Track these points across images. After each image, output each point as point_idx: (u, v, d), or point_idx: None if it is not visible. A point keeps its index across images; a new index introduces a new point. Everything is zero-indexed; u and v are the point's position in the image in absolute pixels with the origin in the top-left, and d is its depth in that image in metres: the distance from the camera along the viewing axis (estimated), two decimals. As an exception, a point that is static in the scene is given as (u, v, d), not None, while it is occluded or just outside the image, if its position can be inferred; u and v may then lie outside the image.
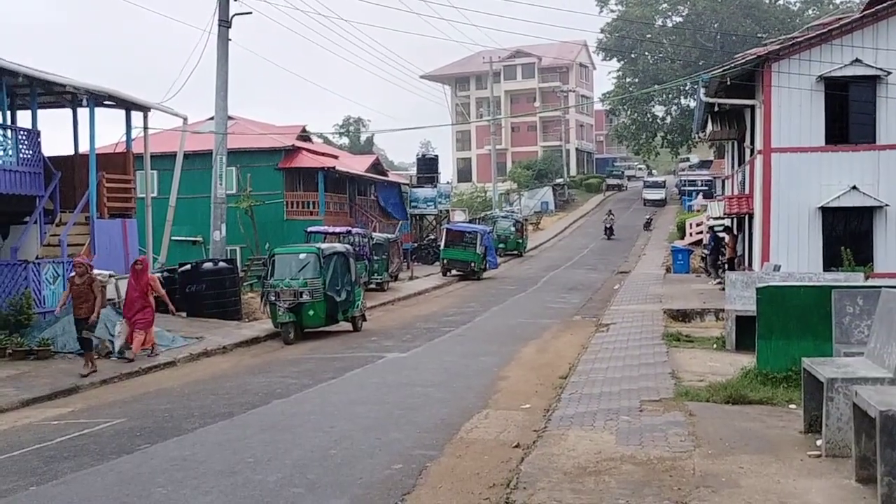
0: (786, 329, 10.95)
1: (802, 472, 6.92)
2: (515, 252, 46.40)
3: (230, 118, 27.11)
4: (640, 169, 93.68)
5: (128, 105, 22.23)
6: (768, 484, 6.60)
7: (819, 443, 7.55)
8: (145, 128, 23.11)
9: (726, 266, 26.72)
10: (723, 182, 39.97)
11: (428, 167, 51.49)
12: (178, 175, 24.63)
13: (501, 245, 44.86)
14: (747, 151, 24.50)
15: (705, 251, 34.21)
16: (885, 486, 5.82)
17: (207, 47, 23.88)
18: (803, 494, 6.32)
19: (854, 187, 20.35)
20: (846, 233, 20.65)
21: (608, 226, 52.87)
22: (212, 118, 25.46)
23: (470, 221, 50.27)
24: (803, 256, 20.43)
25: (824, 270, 18.69)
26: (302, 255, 19.29)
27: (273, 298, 18.62)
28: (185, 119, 24.37)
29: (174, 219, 25.12)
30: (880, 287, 8.82)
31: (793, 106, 20.75)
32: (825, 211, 20.66)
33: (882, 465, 5.83)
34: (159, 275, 21.91)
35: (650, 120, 71.65)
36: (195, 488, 7.34)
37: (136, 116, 22.76)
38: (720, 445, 7.84)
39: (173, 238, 26.42)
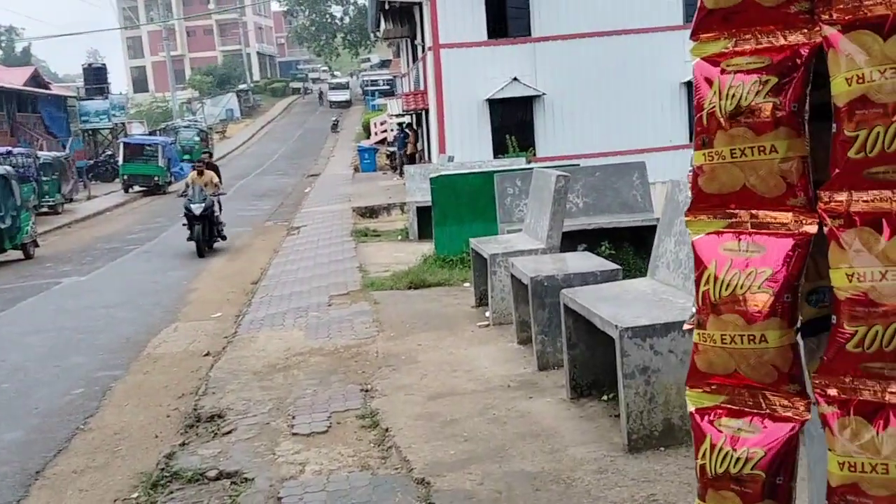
0: (458, 215, 11.72)
1: (473, 342, 7.56)
2: (202, 162, 44.83)
3: None
4: (324, 71, 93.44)
5: None
6: (443, 356, 7.15)
7: (487, 314, 8.27)
8: None
9: (406, 161, 27.79)
10: (401, 80, 41.10)
11: (96, 77, 47.66)
12: None
13: (186, 156, 43.06)
14: (419, 48, 25.32)
15: (391, 149, 35.29)
16: (539, 343, 6.53)
17: None
18: (472, 360, 6.92)
19: (515, 79, 21.86)
20: (512, 122, 22.23)
21: (193, 212, 16.18)
22: None
23: (150, 133, 47.58)
24: (475, 146, 21.76)
25: (494, 158, 20.07)
26: (-47, 182, 17.28)
27: (-78, 232, 16.62)
28: None
29: None
30: (532, 168, 9.66)
31: (456, 2, 21.64)
32: (492, 102, 22.06)
33: (535, 326, 6.53)
34: None
35: (329, 20, 71.29)
36: None
37: None
38: (402, 328, 8.32)
39: None
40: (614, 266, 6.71)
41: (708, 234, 2.13)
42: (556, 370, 6.30)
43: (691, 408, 2.21)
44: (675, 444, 4.63)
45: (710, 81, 2.07)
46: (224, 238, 17.36)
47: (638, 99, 21.99)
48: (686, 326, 2.26)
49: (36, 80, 42.51)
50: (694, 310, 2.15)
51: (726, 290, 2.06)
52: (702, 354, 2.15)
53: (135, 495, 5.05)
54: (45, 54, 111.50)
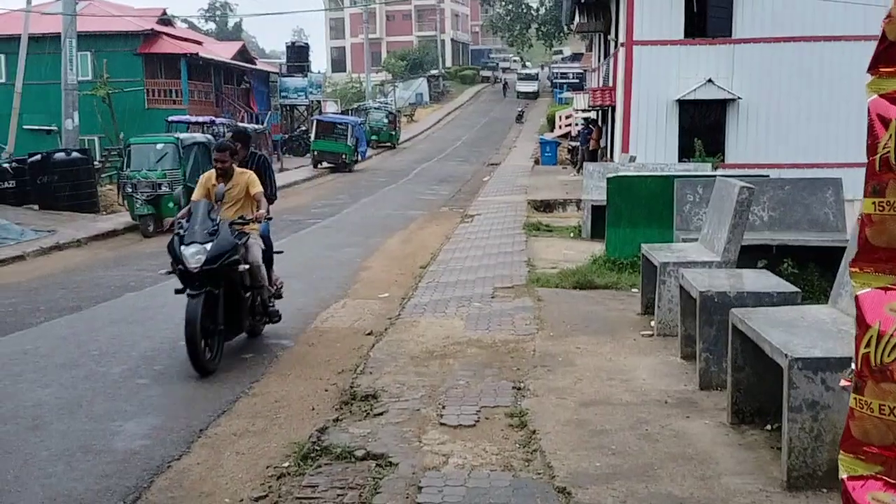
0: (633, 217, 11.41)
1: (634, 351, 7.33)
2: (388, 144, 46.13)
3: (81, -1, 25.45)
4: (514, 61, 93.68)
5: (-38, -19, 20.50)
6: (601, 362, 6.97)
7: (652, 323, 8.00)
8: (-17, 7, 21.42)
9: (587, 157, 27.41)
10: (590, 75, 40.54)
11: (298, 56, 49.93)
12: (24, 59, 23.16)
13: (374, 137, 44.45)
14: (612, 44, 24.84)
15: (573, 143, 34.94)
16: (702, 361, 6.24)
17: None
18: (631, 370, 6.71)
19: (710, 80, 21.03)
20: (701, 124, 21.43)
21: (187, 265, 7.20)
22: (59, -2, 23.76)
23: (342, 113, 49.40)
24: (661, 147, 21.16)
25: (679, 161, 19.43)
26: (159, 146, 18.61)
27: (130, 190, 18.03)
28: (29, -2, 22.73)
29: (26, 106, 23.70)
30: (716, 176, 9.24)
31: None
32: (682, 103, 21.34)
33: (700, 342, 6.24)
34: (7, 165, 20.82)
35: (524, 11, 71.38)
36: (34, 381, 7.16)
37: (-27, -6, 21.04)
38: (562, 328, 8.19)
39: (26, 127, 25.02)
40: (793, 288, 6.30)
41: (874, 288, 1.90)
42: (718, 391, 6.00)
43: (843, 474, 2.00)
44: (839, 487, 4.28)
45: (886, 122, 1.84)
46: (274, 318, 8.55)
47: (840, 110, 20.63)
48: (842, 383, 2.04)
49: (243, 54, 45.07)
50: (853, 367, 1.94)
51: (889, 356, 1.83)
52: (857, 421, 1.94)
53: (286, 464, 5.22)
54: (256, 30, 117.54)
